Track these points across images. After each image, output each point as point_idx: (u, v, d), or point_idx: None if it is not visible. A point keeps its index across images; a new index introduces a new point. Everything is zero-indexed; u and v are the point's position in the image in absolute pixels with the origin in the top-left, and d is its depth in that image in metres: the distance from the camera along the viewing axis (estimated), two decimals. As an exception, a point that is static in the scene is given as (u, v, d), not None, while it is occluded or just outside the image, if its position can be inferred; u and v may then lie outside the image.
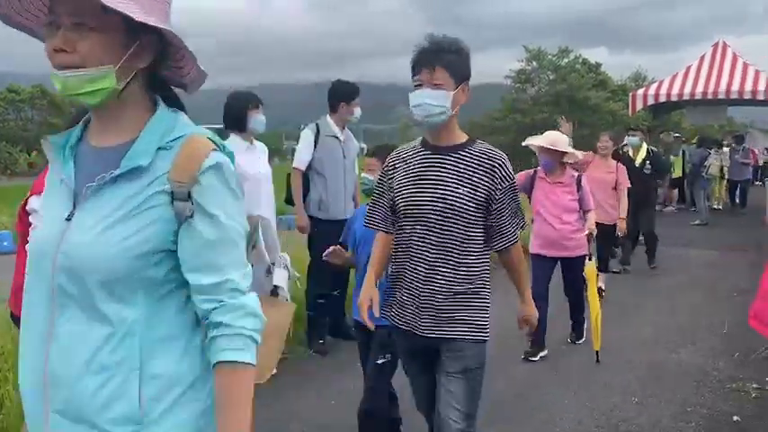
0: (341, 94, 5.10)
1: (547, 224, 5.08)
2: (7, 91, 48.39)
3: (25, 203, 2.75)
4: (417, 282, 2.55)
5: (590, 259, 5.10)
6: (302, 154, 5.06)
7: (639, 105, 15.76)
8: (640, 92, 16.27)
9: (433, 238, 2.50)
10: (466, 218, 2.48)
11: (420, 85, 2.44)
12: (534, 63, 32.15)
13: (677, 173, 13.60)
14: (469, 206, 2.46)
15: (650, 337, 5.61)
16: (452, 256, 2.50)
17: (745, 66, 14.83)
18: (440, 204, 2.46)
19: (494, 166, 2.47)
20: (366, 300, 2.62)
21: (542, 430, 3.88)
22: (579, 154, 5.31)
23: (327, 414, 4.07)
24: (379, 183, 2.73)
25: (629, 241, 8.17)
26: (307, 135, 5.09)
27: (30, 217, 2.72)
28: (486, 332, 2.66)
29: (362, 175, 3.71)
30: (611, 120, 27.68)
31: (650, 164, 8.13)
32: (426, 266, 2.52)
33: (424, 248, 2.52)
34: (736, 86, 14.40)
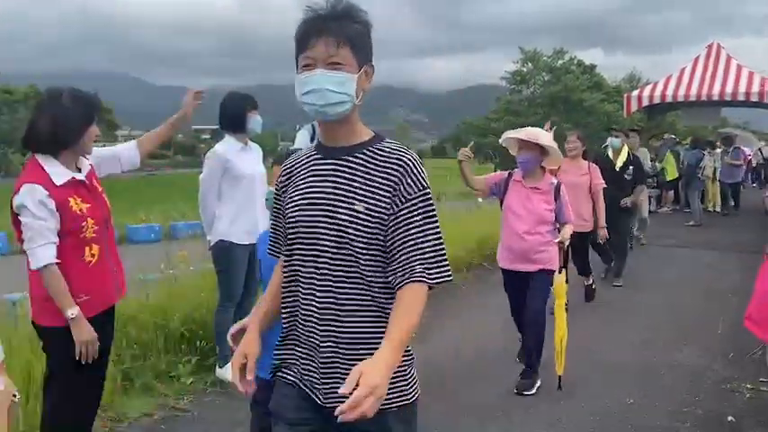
0: None
1: (515, 234, 4.45)
2: (1, 91, 48.24)
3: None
4: (314, 331, 1.84)
5: (560, 272, 4.48)
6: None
7: (634, 107, 15.79)
8: (635, 93, 16.31)
9: (326, 271, 1.81)
10: (377, 243, 1.80)
11: (311, 66, 1.79)
12: (529, 64, 32.22)
13: (672, 175, 13.63)
14: (371, 228, 1.79)
15: (645, 338, 5.63)
16: (357, 296, 1.81)
17: (739, 67, 14.88)
18: (333, 226, 1.80)
19: (401, 171, 1.80)
20: (239, 357, 1.88)
21: (538, 430, 3.88)
22: (559, 156, 4.57)
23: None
24: (275, 198, 2.03)
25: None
26: (302, 136, 5.09)
27: (19, 216, 2.71)
28: (416, 389, 1.89)
29: (268, 188, 3.28)
30: (606, 121, 27.75)
31: (631, 169, 7.47)
32: (320, 309, 1.82)
33: (316, 285, 1.83)
34: (730, 88, 14.45)
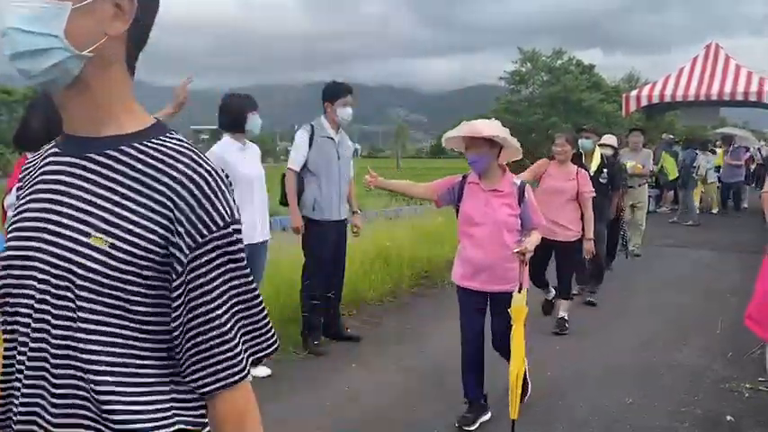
0: (326, 95, 5.12)
1: (476, 246, 3.77)
2: (0, 91, 48.23)
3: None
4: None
5: (519, 290, 3.61)
6: (296, 154, 5.06)
7: (633, 107, 15.82)
8: (634, 93, 16.33)
9: (49, 337, 1.11)
10: (124, 298, 1.09)
11: None
12: (528, 64, 32.24)
13: (673, 174, 13.63)
14: (125, 272, 1.09)
15: (644, 338, 5.63)
16: (101, 385, 1.09)
17: (738, 67, 14.90)
18: (56, 268, 1.10)
19: (183, 193, 1.10)
20: None
21: (536, 430, 3.88)
22: (515, 146, 3.76)
23: (323, 415, 4.06)
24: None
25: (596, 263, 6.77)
26: (301, 136, 5.09)
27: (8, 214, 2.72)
28: None
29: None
30: (606, 121, 27.77)
31: (607, 172, 6.80)
32: (22, 399, 1.14)
33: (32, 360, 1.13)
34: (728, 88, 14.48)
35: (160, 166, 1.12)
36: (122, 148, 1.14)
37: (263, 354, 1.22)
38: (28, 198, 1.19)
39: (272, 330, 1.22)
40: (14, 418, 1.15)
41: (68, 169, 1.15)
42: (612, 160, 7.12)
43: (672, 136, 16.52)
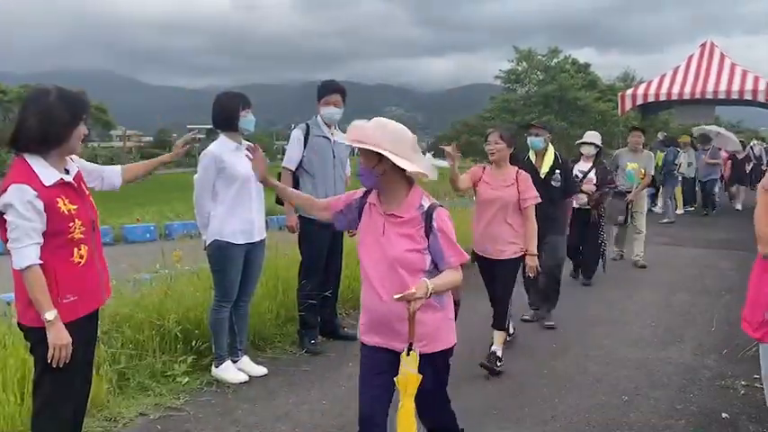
0: (317, 94, 5.12)
1: (372, 291, 2.79)
2: (-5, 91, 48.08)
3: None
4: None
5: (408, 352, 2.62)
6: (291, 153, 5.07)
7: (629, 105, 15.84)
8: (629, 92, 16.35)
9: None
10: None
11: None
12: (524, 63, 32.29)
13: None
14: None
15: (639, 335, 5.65)
16: None
17: (733, 66, 14.93)
18: None
19: None
20: None
21: (532, 429, 3.89)
22: (434, 165, 2.80)
23: (319, 414, 4.07)
24: None
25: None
26: (297, 135, 5.09)
27: (4, 215, 2.70)
28: None
29: None
30: (601, 119, 27.83)
31: (561, 173, 5.73)
32: None
33: None
34: (723, 86, 14.50)
35: None
36: None
37: None
38: None
39: None
40: None
41: None
42: (565, 160, 5.96)
43: (666, 134, 16.52)
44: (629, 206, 8.35)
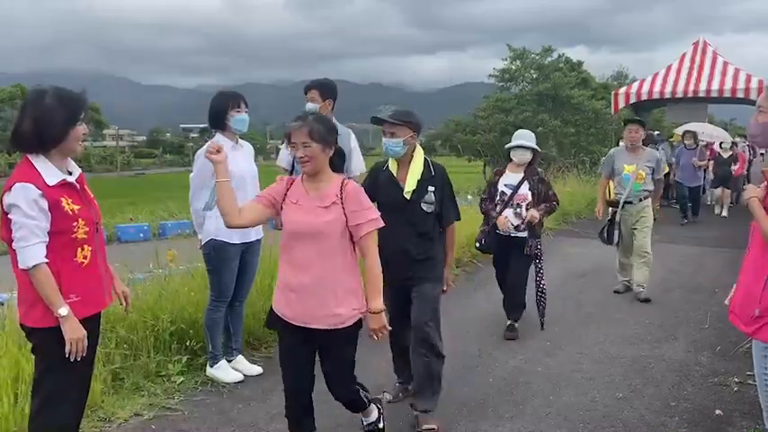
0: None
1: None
2: (-13, 91, 47.87)
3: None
4: None
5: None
6: (285, 152, 5.07)
7: (622, 103, 15.90)
8: (622, 90, 16.41)
9: None
10: None
11: None
12: (518, 62, 32.32)
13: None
14: None
15: (632, 333, 5.66)
16: None
17: (726, 64, 15.01)
18: None
19: None
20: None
21: (527, 426, 3.90)
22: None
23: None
24: None
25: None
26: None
27: (8, 215, 2.70)
28: None
29: None
30: (595, 118, 27.85)
31: (434, 194, 3.80)
32: None
33: None
34: (716, 85, 14.58)
35: None
36: None
37: None
38: None
39: None
40: None
41: None
42: (439, 170, 3.88)
43: (658, 132, 16.53)
44: (616, 220, 6.79)
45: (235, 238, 4.33)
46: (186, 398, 4.27)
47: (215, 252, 4.34)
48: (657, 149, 12.66)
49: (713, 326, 5.79)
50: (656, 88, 15.26)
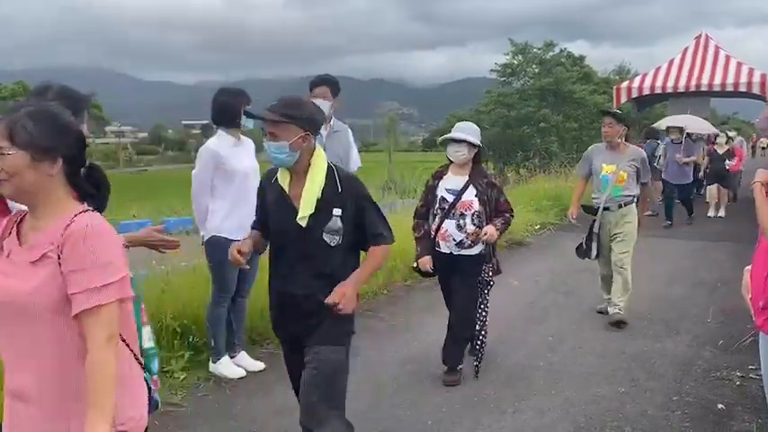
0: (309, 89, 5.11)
1: None
2: (-12, 88, 47.92)
3: None
4: None
5: None
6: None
7: (624, 98, 15.88)
8: (624, 85, 16.39)
9: None
10: None
11: None
12: (520, 57, 32.26)
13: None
14: None
15: (635, 327, 5.66)
16: None
17: (728, 58, 14.97)
18: None
19: None
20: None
21: (530, 420, 3.91)
22: None
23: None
24: None
25: None
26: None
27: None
28: None
29: None
30: (597, 113, 27.83)
31: (341, 219, 2.81)
32: None
33: None
34: (718, 79, 14.54)
35: None
36: None
37: None
38: None
39: None
40: None
41: None
42: (349, 181, 2.90)
43: (653, 126, 16.42)
44: (594, 231, 5.72)
45: (238, 234, 4.33)
46: (189, 394, 4.28)
47: (218, 248, 4.34)
48: (659, 145, 12.75)
49: (715, 320, 5.78)
50: (658, 83, 15.22)
